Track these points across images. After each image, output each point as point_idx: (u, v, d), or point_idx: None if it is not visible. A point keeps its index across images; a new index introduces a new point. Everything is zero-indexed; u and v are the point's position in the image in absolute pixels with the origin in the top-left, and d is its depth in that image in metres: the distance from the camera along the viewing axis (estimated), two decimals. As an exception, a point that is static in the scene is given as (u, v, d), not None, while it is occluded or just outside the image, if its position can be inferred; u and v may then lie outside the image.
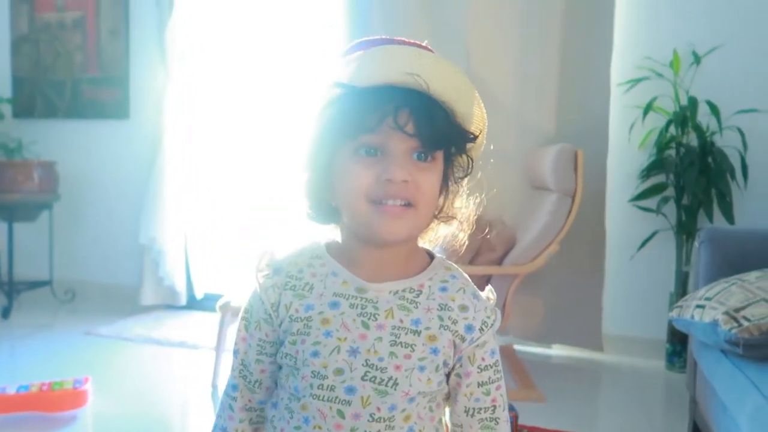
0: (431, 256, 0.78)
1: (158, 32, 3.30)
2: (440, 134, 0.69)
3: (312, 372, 0.70)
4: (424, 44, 0.74)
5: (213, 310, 2.72)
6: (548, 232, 2.35)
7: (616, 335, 2.78)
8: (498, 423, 0.76)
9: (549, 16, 2.72)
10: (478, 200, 0.79)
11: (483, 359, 0.74)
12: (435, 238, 0.78)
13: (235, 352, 0.79)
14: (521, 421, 1.95)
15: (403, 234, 0.70)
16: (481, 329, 0.73)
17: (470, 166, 0.76)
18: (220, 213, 3.51)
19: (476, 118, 0.74)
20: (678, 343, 2.57)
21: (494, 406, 0.76)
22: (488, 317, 0.74)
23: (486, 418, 0.75)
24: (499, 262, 2.41)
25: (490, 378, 0.75)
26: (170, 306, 3.42)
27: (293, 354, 0.72)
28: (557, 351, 2.87)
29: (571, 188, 2.38)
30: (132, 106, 3.53)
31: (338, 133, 0.70)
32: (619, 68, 2.69)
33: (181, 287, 3.37)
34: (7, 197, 3.25)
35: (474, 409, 0.75)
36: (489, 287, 0.78)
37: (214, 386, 2.28)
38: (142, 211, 3.36)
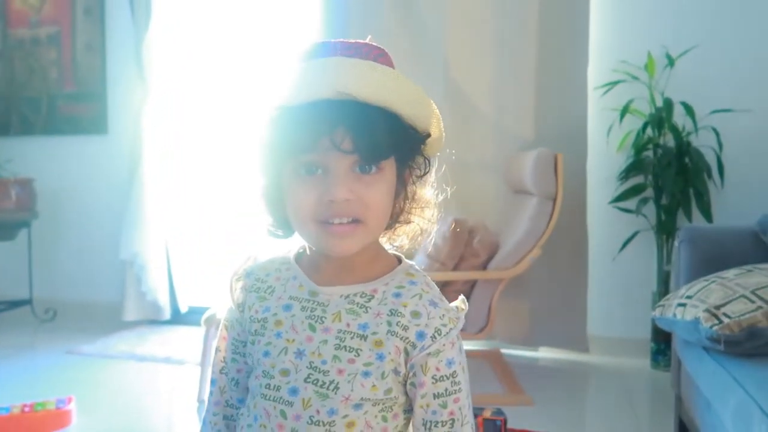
0: (400, 260, 0.77)
1: (135, 46, 3.28)
2: (381, 145, 0.67)
3: (263, 372, 0.72)
4: (365, 41, 0.73)
5: (197, 324, 2.69)
6: (531, 236, 2.36)
7: (601, 336, 2.80)
8: None
9: (524, 23, 2.75)
10: (441, 197, 0.78)
11: (438, 369, 0.71)
12: (397, 238, 0.77)
13: (217, 350, 0.81)
14: (510, 425, 1.95)
15: (353, 249, 0.70)
16: (434, 337, 0.70)
17: (427, 166, 0.75)
18: (202, 225, 3.48)
19: (424, 115, 0.72)
20: (662, 342, 2.60)
21: (452, 420, 0.72)
22: (444, 325, 0.70)
23: None
24: (483, 267, 2.42)
25: (446, 390, 0.71)
26: (154, 321, 3.38)
27: (252, 354, 0.74)
28: (544, 354, 2.88)
29: (551, 192, 2.40)
30: (110, 121, 3.50)
31: (279, 153, 0.70)
32: (596, 72, 2.72)
33: (164, 302, 3.33)
34: (-17, 216, 3.19)
35: (431, 422, 0.72)
36: (461, 297, 0.76)
37: (200, 401, 2.26)
38: (123, 226, 3.32)
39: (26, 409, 1.96)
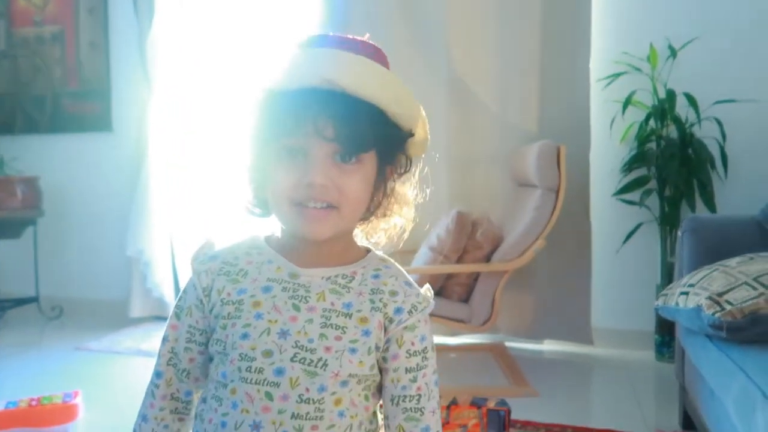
0: (368, 251, 0.80)
1: (139, 43, 3.30)
2: (362, 137, 0.69)
3: (240, 354, 0.70)
4: (362, 38, 0.75)
5: (203, 319, 2.70)
6: (534, 227, 2.37)
7: (606, 328, 2.80)
8: (423, 413, 0.74)
9: (527, 15, 2.75)
10: (420, 198, 0.80)
11: (412, 344, 0.74)
12: (373, 232, 0.79)
13: (164, 339, 0.79)
14: (514, 416, 1.96)
15: (325, 234, 0.71)
16: (410, 312, 0.74)
17: (409, 165, 0.77)
18: (207, 221, 3.49)
19: (409, 115, 0.73)
20: (666, 334, 2.60)
21: (419, 395, 0.74)
22: (419, 302, 0.75)
23: (411, 408, 0.74)
24: (487, 259, 2.42)
25: (417, 365, 0.74)
26: (159, 317, 3.40)
27: (223, 339, 0.72)
28: (548, 346, 2.89)
29: (555, 184, 2.40)
30: (114, 119, 3.51)
31: (264, 135, 0.72)
32: (598, 64, 2.72)
33: (169, 298, 3.35)
34: (-10, 214, 3.22)
35: (399, 397, 0.74)
36: (427, 285, 0.79)
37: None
38: (128, 223, 3.34)
39: (33, 403, 1.98)
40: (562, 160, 2.40)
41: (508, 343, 2.84)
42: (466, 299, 2.42)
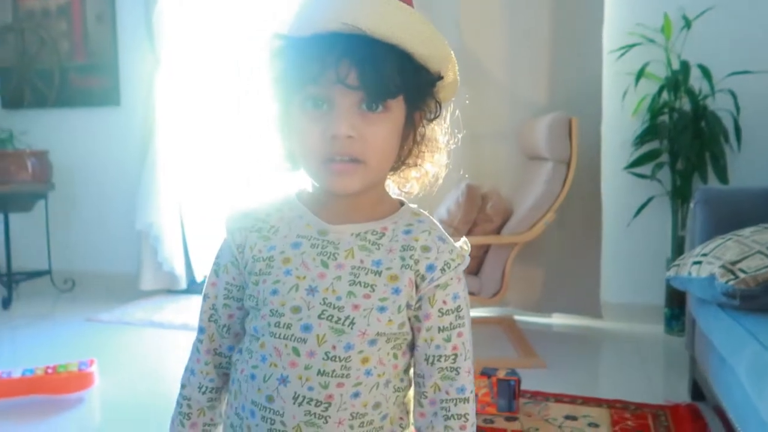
0: (402, 204, 0.77)
1: (146, 17, 3.27)
2: (387, 83, 0.65)
3: (270, 310, 0.70)
4: None
5: (213, 292, 2.73)
6: (544, 200, 2.36)
7: (615, 302, 2.81)
8: (459, 373, 0.73)
9: (539, -15, 2.71)
10: (452, 143, 0.76)
11: (444, 302, 0.72)
12: (405, 182, 0.77)
13: (205, 296, 0.79)
14: (524, 387, 1.98)
15: (354, 188, 0.69)
16: (443, 269, 0.71)
17: (439, 109, 0.73)
18: (216, 194, 3.50)
19: (438, 57, 0.69)
20: (676, 308, 2.60)
21: (455, 355, 0.73)
22: (452, 260, 0.72)
23: (446, 368, 0.73)
24: (497, 232, 2.42)
25: (451, 323, 0.72)
26: (170, 291, 3.43)
27: (255, 294, 0.72)
28: (557, 320, 2.90)
29: (566, 156, 2.38)
30: (122, 93, 3.51)
31: (286, 86, 0.70)
32: (611, 35, 2.68)
33: (180, 271, 3.38)
34: (0, 188, 3.23)
35: (434, 356, 0.72)
36: (464, 239, 0.76)
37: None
38: (138, 196, 3.35)
39: (49, 371, 2.01)
40: (573, 132, 2.38)
41: (517, 317, 2.85)
42: (476, 272, 2.42)
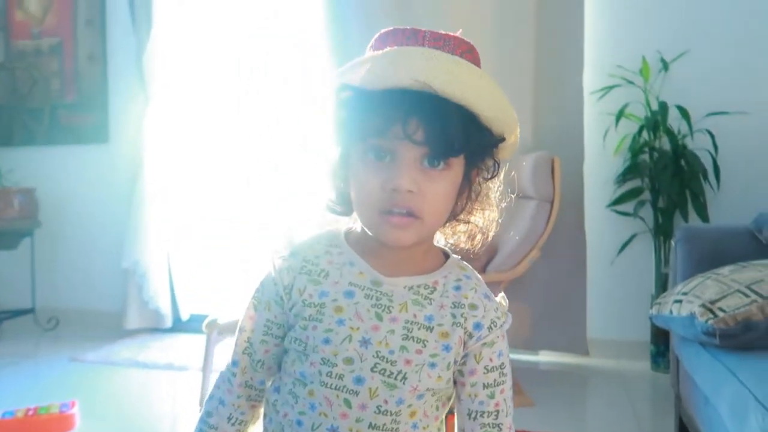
0: (446, 255, 0.78)
1: (137, 56, 3.32)
2: (452, 142, 0.67)
3: (322, 359, 0.70)
4: (455, 34, 0.73)
5: (199, 331, 2.70)
6: (529, 238, 2.39)
7: (602, 339, 2.82)
8: (501, 429, 0.74)
9: (521, 29, 2.79)
10: (504, 203, 0.78)
11: (490, 359, 0.74)
12: (452, 234, 0.77)
13: (241, 330, 0.78)
14: (511, 426, 1.96)
15: (408, 242, 0.70)
16: (490, 328, 0.73)
17: (497, 168, 0.74)
18: (203, 232, 3.51)
19: (502, 119, 0.71)
20: (662, 344, 2.61)
21: (497, 411, 0.74)
22: (498, 318, 0.74)
23: (489, 424, 0.74)
24: (483, 270, 2.44)
25: (495, 380, 0.74)
26: (156, 329, 3.39)
27: (303, 339, 0.71)
28: (544, 357, 2.89)
29: (549, 194, 2.42)
30: (111, 130, 3.53)
31: (349, 134, 0.71)
32: (592, 77, 2.76)
33: (166, 310, 3.35)
34: (-14, 226, 3.22)
35: (477, 412, 0.74)
36: (502, 294, 0.78)
37: (203, 406, 2.26)
38: (125, 234, 3.34)
39: (30, 413, 1.97)
40: (556, 171, 2.42)
41: (504, 354, 2.85)
42: (462, 309, 2.43)
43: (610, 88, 2.69)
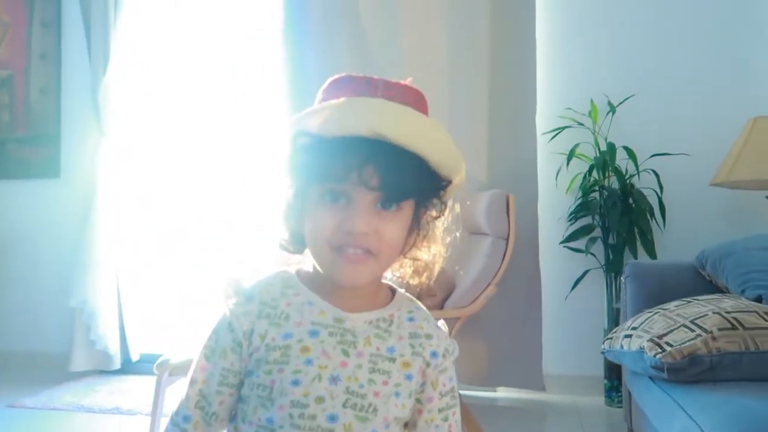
0: (393, 290, 0.82)
1: (92, 89, 3.27)
2: (405, 187, 0.72)
3: (291, 401, 0.71)
4: (406, 83, 0.77)
5: (150, 372, 2.60)
6: (485, 274, 2.42)
7: (557, 374, 2.84)
8: None
9: (476, 72, 2.89)
10: (449, 239, 0.81)
11: (444, 384, 0.79)
12: (399, 267, 0.80)
13: (192, 382, 0.77)
14: (468, 465, 1.95)
15: (363, 281, 0.73)
16: (444, 355, 0.78)
17: (443, 209, 0.79)
18: (156, 270, 3.42)
19: (450, 164, 0.76)
20: (615, 379, 2.65)
21: None
22: (449, 345, 0.80)
23: None
24: (440, 307, 2.44)
25: (448, 404, 0.79)
26: (103, 371, 3.25)
27: (268, 384, 0.72)
28: (502, 393, 2.90)
29: (504, 231, 2.47)
30: (63, 165, 3.44)
31: (307, 178, 0.74)
32: (544, 118, 2.86)
33: (114, 350, 3.22)
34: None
35: None
36: (441, 321, 0.82)
37: (151, 451, 2.17)
38: (74, 272, 3.23)
39: (-38, 464, 1.85)
40: (511, 208, 2.48)
41: (462, 391, 2.84)
42: (420, 346, 2.42)
43: (561, 129, 2.79)
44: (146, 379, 3.00)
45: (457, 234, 0.83)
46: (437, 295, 2.45)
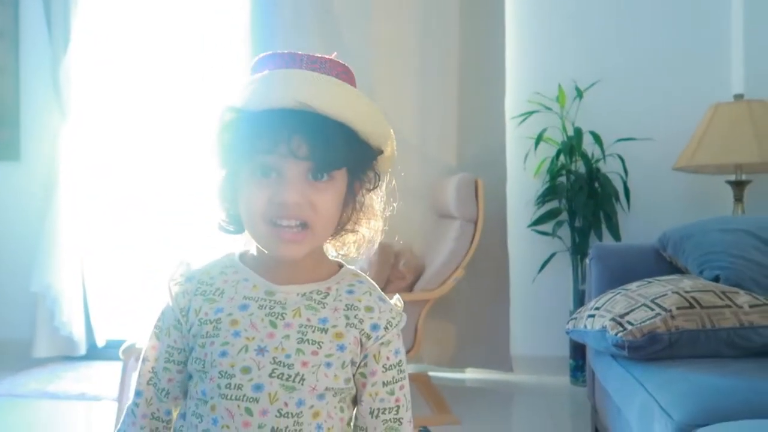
0: (340, 266, 0.82)
1: (52, 69, 3.17)
2: (334, 156, 0.71)
3: (219, 372, 0.72)
4: (331, 57, 0.77)
5: (116, 358, 2.57)
6: (454, 257, 2.44)
7: (524, 355, 2.90)
8: (401, 424, 0.78)
9: (445, 58, 2.89)
10: (388, 211, 0.82)
11: (388, 358, 0.78)
12: (342, 245, 0.81)
13: (144, 360, 0.80)
14: (436, 444, 1.98)
15: (300, 254, 0.73)
16: (386, 327, 0.77)
17: (377, 180, 0.79)
18: (121, 253, 3.36)
19: (379, 134, 0.76)
20: (580, 358, 2.72)
21: (398, 406, 0.78)
22: (393, 318, 0.78)
23: (390, 419, 0.78)
24: (410, 289, 2.46)
25: (394, 377, 0.78)
26: (68, 357, 3.20)
27: (202, 357, 0.74)
28: (471, 375, 2.94)
29: (473, 215, 2.49)
30: (23, 147, 3.34)
31: (236, 155, 0.74)
32: (512, 103, 2.88)
33: (79, 336, 3.17)
34: None
35: (378, 409, 0.77)
36: (397, 296, 0.82)
37: (118, 437, 2.14)
38: (36, 257, 3.15)
39: None
40: (480, 192, 2.50)
41: (431, 373, 2.88)
42: (389, 329, 2.44)
43: (530, 113, 2.82)
44: (112, 364, 2.96)
45: (395, 205, 0.83)
46: (407, 278, 2.47)
